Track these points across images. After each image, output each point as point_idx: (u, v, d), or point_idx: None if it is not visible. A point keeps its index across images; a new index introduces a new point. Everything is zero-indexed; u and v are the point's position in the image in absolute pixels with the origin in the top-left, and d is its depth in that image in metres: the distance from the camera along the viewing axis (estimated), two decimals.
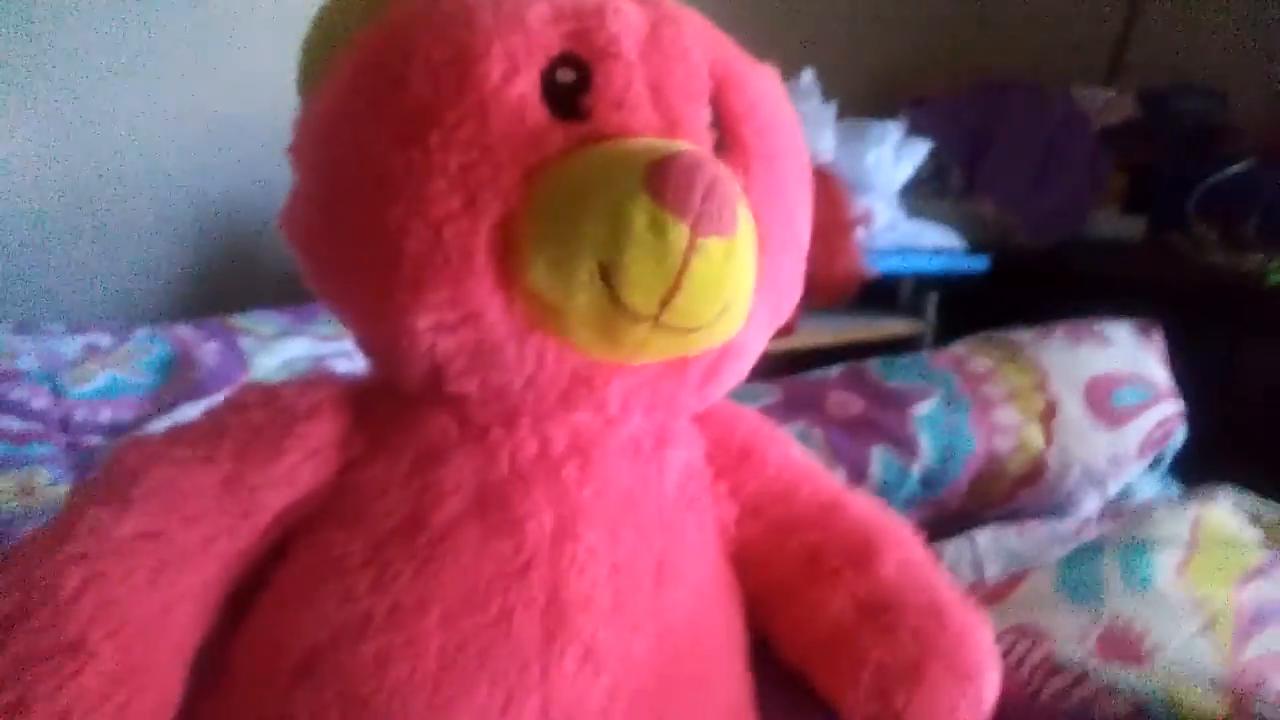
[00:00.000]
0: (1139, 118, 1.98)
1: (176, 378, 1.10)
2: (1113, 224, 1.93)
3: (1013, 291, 1.67)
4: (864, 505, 0.59)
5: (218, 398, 0.85)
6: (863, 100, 1.72)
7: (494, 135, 0.42)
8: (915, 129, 1.76)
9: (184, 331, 1.19)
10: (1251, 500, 0.86)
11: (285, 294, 1.29)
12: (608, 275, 0.40)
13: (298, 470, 0.47)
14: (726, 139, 0.48)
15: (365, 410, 0.50)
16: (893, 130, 1.66)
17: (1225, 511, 0.79)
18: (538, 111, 0.43)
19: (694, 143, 0.44)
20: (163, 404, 1.05)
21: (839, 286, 1.36)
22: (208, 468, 0.45)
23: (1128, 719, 0.53)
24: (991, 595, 0.69)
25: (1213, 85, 1.97)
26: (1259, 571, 0.71)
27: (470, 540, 0.46)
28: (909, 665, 0.52)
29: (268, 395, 0.49)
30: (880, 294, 1.69)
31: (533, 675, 0.44)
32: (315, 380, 0.52)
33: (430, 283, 0.42)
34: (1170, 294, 1.39)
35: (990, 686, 0.53)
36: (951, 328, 1.59)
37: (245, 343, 1.19)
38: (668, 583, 0.50)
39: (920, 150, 1.71)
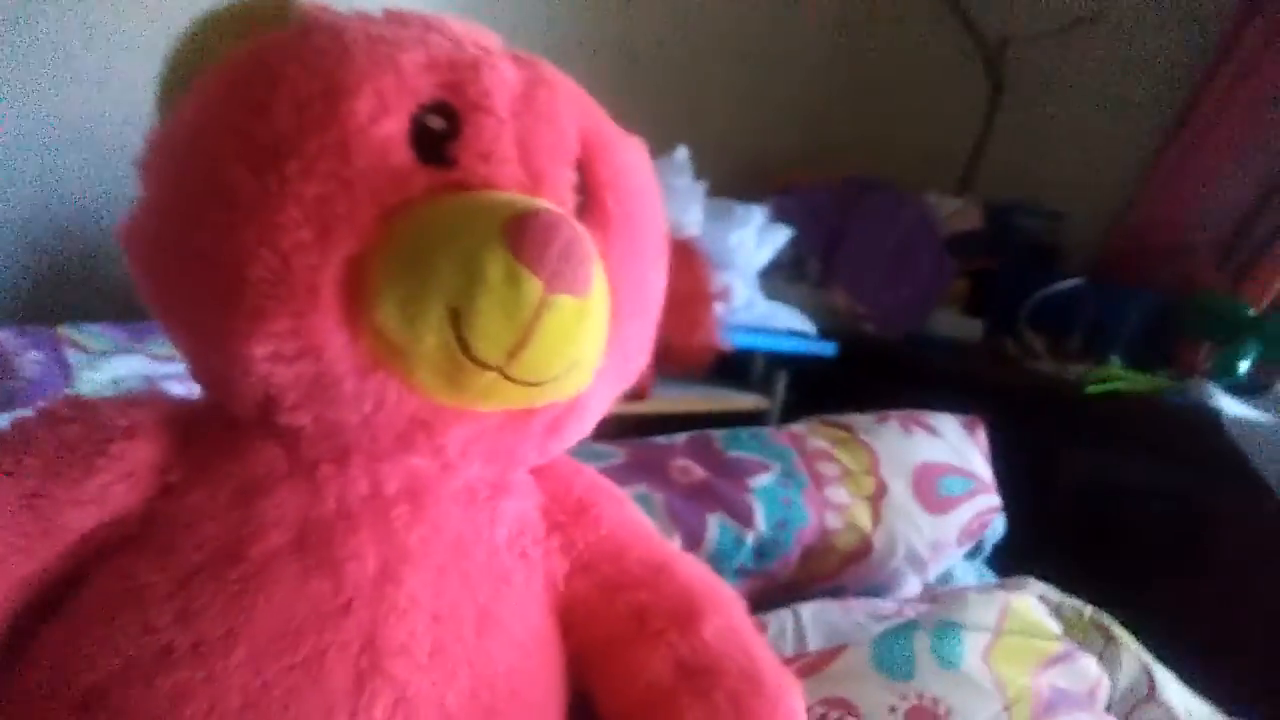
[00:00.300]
0: (983, 228, 2.11)
1: None
2: (953, 324, 2.03)
3: (857, 377, 1.74)
4: (692, 568, 0.60)
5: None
6: (731, 183, 1.77)
7: (354, 171, 0.41)
8: (779, 215, 1.83)
9: (4, 336, 1.12)
10: (1055, 593, 0.91)
11: (123, 310, 1.24)
12: (457, 321, 0.40)
13: (109, 491, 0.44)
14: (589, 203, 0.49)
15: (191, 436, 0.48)
16: (757, 214, 1.72)
17: (1031, 601, 0.83)
18: (403, 154, 0.43)
19: (556, 203, 0.45)
20: None
21: (695, 355, 1.38)
22: (8, 481, 0.42)
23: None
24: (809, 667, 0.71)
25: (1052, 205, 2.12)
26: (1056, 660, 0.76)
27: (287, 577, 0.44)
28: None
29: (84, 409, 0.47)
30: (733, 369, 1.73)
31: None
32: (139, 399, 0.50)
33: (272, 312, 0.41)
34: (1000, 394, 1.47)
35: None
36: (798, 406, 1.65)
37: (73, 356, 1.13)
38: (489, 633, 0.49)
39: (781, 235, 1.77)
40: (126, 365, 1.15)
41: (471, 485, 0.52)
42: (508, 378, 0.42)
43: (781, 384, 1.81)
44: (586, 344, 0.44)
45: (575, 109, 0.50)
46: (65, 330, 1.19)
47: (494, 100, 0.45)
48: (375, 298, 0.41)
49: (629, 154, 0.54)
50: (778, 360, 1.81)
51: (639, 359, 0.55)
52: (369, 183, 0.42)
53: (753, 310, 1.69)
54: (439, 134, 0.44)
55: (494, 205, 0.42)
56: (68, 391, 1.03)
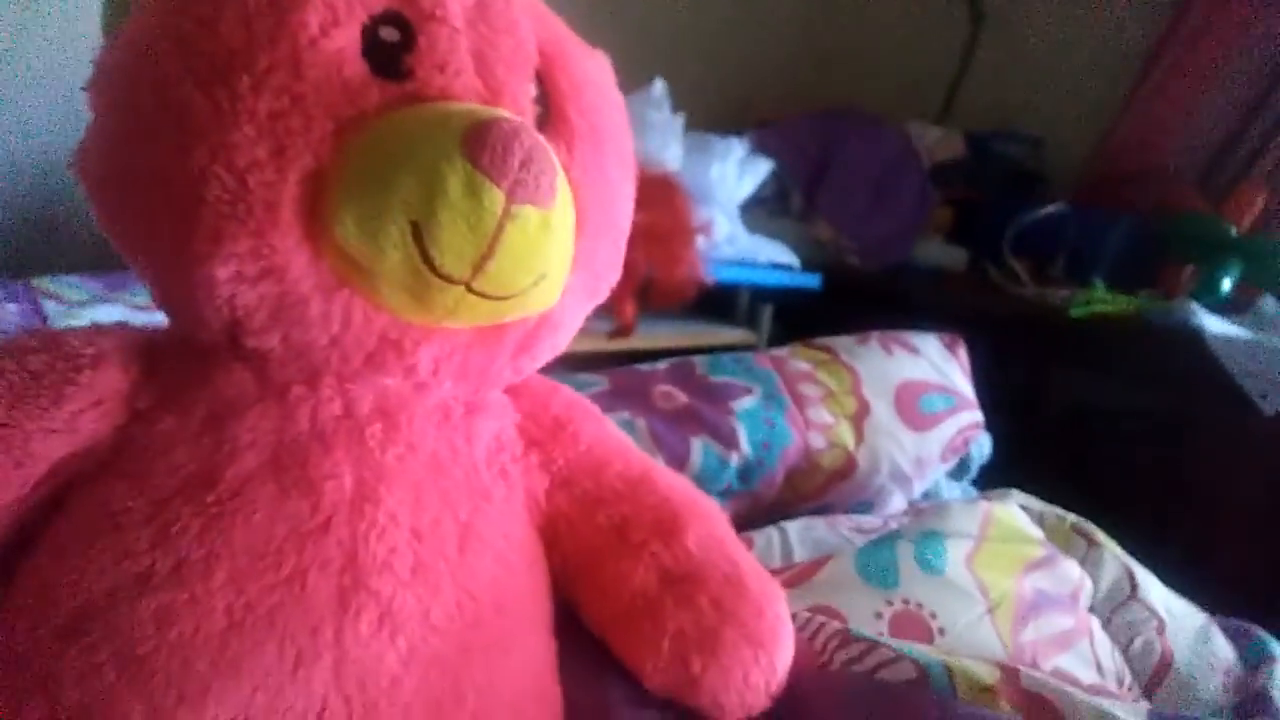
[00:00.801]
0: (965, 157, 2.10)
1: None
2: (937, 253, 2.03)
3: (842, 309, 1.74)
4: (672, 480, 0.61)
5: None
6: (710, 117, 1.76)
7: (307, 85, 0.41)
8: (759, 149, 1.82)
9: None
10: (1037, 503, 0.92)
11: (97, 260, 1.23)
12: (419, 236, 0.39)
13: (78, 420, 0.44)
14: (551, 115, 0.49)
15: (157, 362, 0.48)
16: (737, 146, 1.71)
17: (1014, 509, 0.84)
18: (356, 66, 0.42)
19: (516, 114, 0.44)
20: None
21: (678, 290, 1.39)
22: None
23: (914, 682, 0.55)
24: (795, 578, 0.72)
25: (1032, 132, 2.11)
26: (1038, 564, 0.77)
27: (264, 498, 0.44)
28: (707, 633, 0.53)
29: (49, 340, 0.46)
30: (718, 304, 1.73)
31: (325, 637, 0.43)
32: (104, 328, 0.49)
33: (231, 232, 0.41)
34: (985, 321, 1.47)
35: (784, 655, 0.55)
36: (784, 340, 1.65)
37: (50, 307, 1.12)
38: (471, 549, 0.49)
39: (763, 168, 1.77)
40: (105, 314, 1.14)
41: (445, 404, 0.52)
42: (474, 292, 0.42)
43: (767, 318, 1.81)
44: (552, 256, 0.44)
45: (532, 18, 0.49)
46: (40, 282, 1.18)
47: (448, 9, 0.45)
48: (335, 214, 0.41)
49: (591, 66, 0.53)
50: (762, 294, 1.81)
51: (610, 276, 0.55)
52: (323, 97, 0.41)
53: (736, 244, 1.69)
54: (392, 46, 0.43)
55: (451, 115, 0.41)
56: None
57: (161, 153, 0.42)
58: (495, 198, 0.39)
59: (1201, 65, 1.92)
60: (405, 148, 0.40)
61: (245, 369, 0.47)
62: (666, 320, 1.62)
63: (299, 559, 0.43)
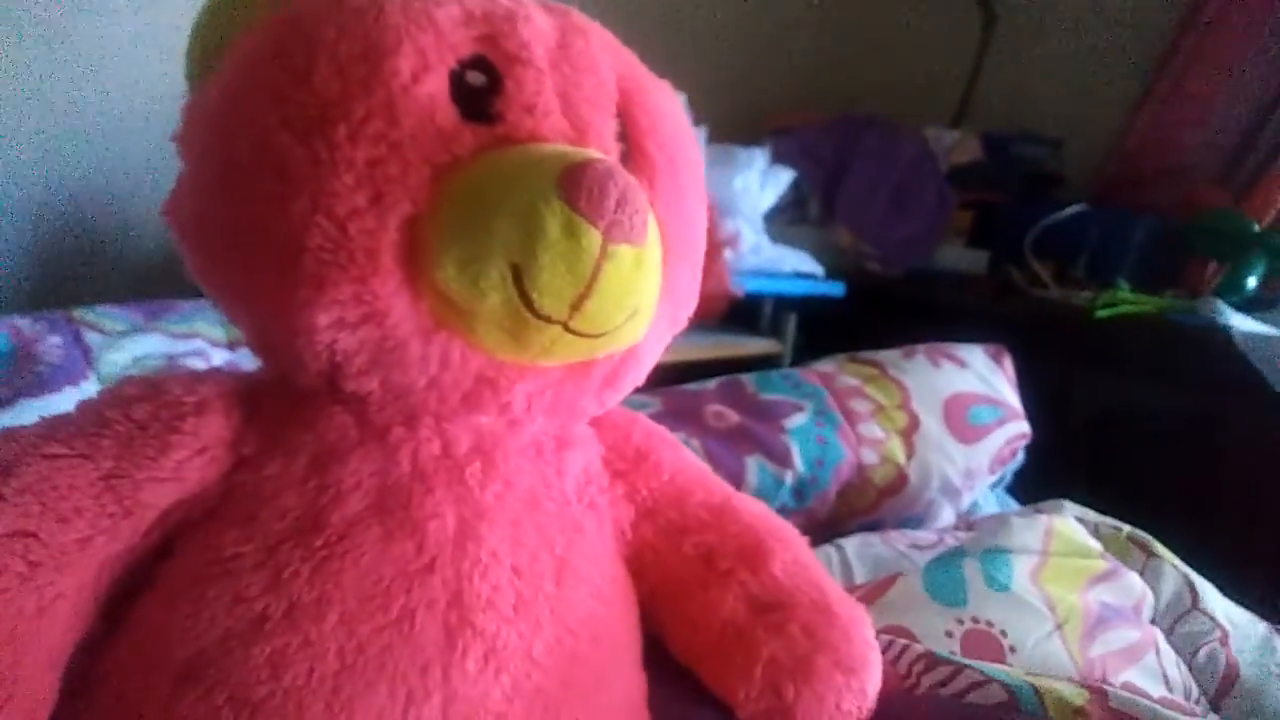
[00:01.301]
0: (983, 159, 2.10)
1: (15, 371, 1.02)
2: (957, 257, 2.03)
3: (864, 316, 1.74)
4: (753, 507, 0.61)
5: (64, 394, 0.79)
6: (725, 127, 1.76)
7: (403, 132, 0.41)
8: (777, 158, 1.82)
9: (22, 323, 1.11)
10: (1091, 514, 0.92)
11: (131, 288, 1.23)
12: (519, 278, 0.40)
13: (185, 468, 0.44)
14: (632, 151, 0.49)
15: (256, 408, 0.48)
16: (759, 157, 1.71)
17: (1071, 523, 0.84)
18: (447, 112, 0.42)
19: (602, 152, 0.45)
20: (0, 399, 0.98)
21: (708, 304, 1.39)
22: (86, 464, 0.42)
23: (1004, 705, 0.56)
24: (864, 598, 0.72)
25: (1050, 133, 2.11)
26: (1102, 577, 0.77)
27: (371, 540, 0.44)
28: (799, 660, 0.53)
29: (152, 389, 0.47)
30: (743, 314, 1.73)
31: (434, 676, 0.43)
32: (203, 375, 0.49)
33: (333, 279, 0.41)
34: (1009, 324, 1.47)
35: (874, 680, 0.55)
36: (808, 349, 1.65)
37: (91, 338, 1.12)
38: (568, 583, 0.50)
39: (784, 178, 1.77)
40: (146, 344, 1.14)
41: (537, 439, 0.53)
42: (570, 331, 0.42)
43: (792, 327, 1.81)
44: (645, 292, 0.44)
45: (610, 56, 0.50)
46: (80, 313, 1.18)
47: (532, 52, 0.45)
48: (435, 259, 0.41)
49: (665, 99, 0.53)
50: (786, 303, 1.81)
51: (688, 304, 0.55)
52: (418, 143, 0.41)
53: (760, 254, 1.69)
54: (480, 90, 0.44)
55: (546, 158, 0.41)
56: (93, 374, 1.03)
57: (260, 203, 0.42)
58: (593, 239, 0.39)
59: (1219, 60, 1.92)
60: (502, 191, 0.40)
61: (345, 412, 0.47)
62: (693, 333, 1.62)
63: (407, 599, 0.44)
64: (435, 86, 0.42)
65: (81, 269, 1.41)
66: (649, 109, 0.50)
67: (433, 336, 0.43)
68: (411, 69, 0.42)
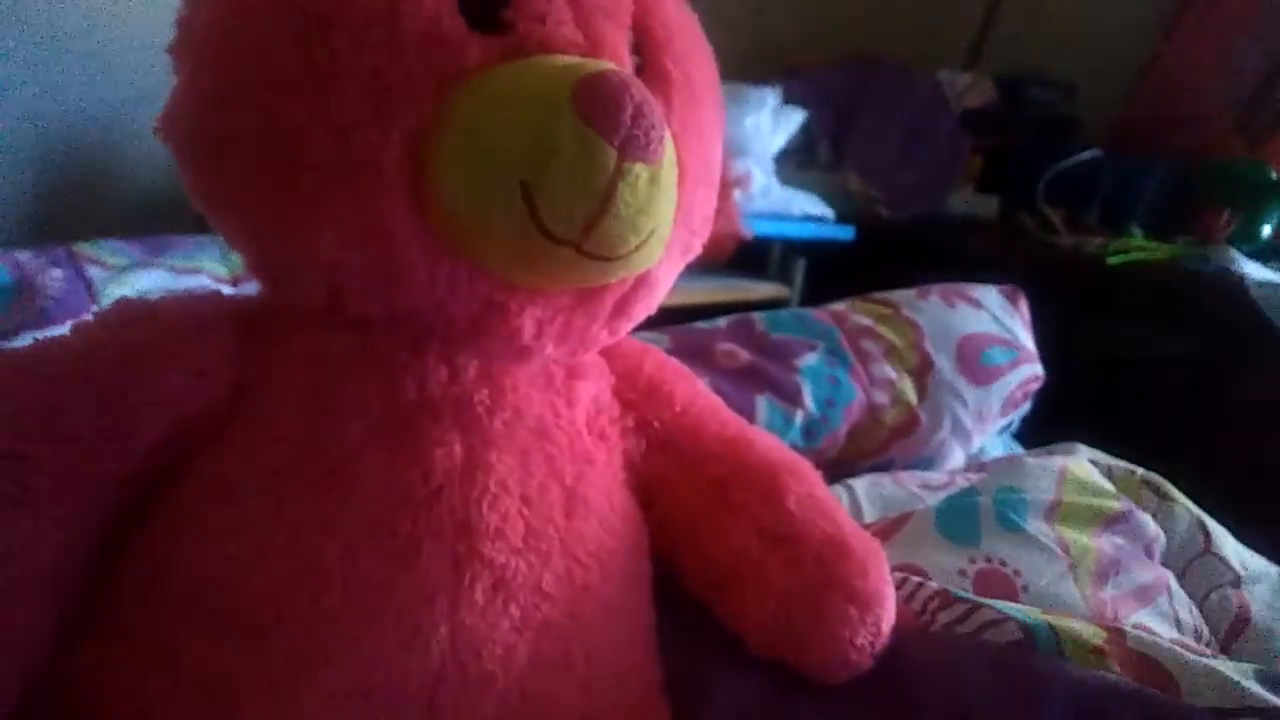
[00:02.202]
0: (996, 103, 2.07)
1: (17, 305, 1.01)
2: (969, 202, 2.01)
3: (874, 261, 1.72)
4: (767, 440, 0.60)
5: (65, 327, 0.78)
6: (736, 67, 1.73)
7: (406, 40, 0.39)
8: (788, 99, 1.79)
9: (24, 258, 1.10)
10: (1104, 457, 0.91)
11: (132, 224, 1.21)
12: (529, 196, 0.38)
13: (183, 392, 0.43)
14: (647, 66, 0.47)
15: (257, 331, 0.46)
16: (770, 97, 1.68)
17: (1086, 465, 0.83)
18: (453, 20, 0.40)
19: (617, 64, 0.43)
20: (3, 332, 0.96)
21: (716, 245, 1.37)
22: (81, 385, 0.41)
23: (1019, 644, 0.55)
24: (877, 535, 0.71)
25: (1064, 76, 2.08)
26: (1116, 519, 0.76)
27: (375, 468, 0.43)
28: (813, 594, 0.53)
29: (148, 311, 0.45)
30: (751, 257, 1.71)
31: (441, 606, 0.42)
32: (201, 296, 0.48)
33: (334, 195, 0.39)
34: (1019, 270, 1.46)
35: (888, 615, 0.54)
36: (816, 293, 1.64)
37: (94, 272, 1.11)
38: (578, 514, 0.49)
39: (795, 119, 1.74)
40: (149, 279, 1.14)
41: (547, 368, 0.52)
42: (583, 253, 0.40)
43: (800, 271, 1.80)
44: (661, 213, 0.42)
45: None
46: (81, 248, 1.16)
47: None
48: (441, 176, 0.39)
49: (681, 12, 0.51)
50: (795, 247, 1.79)
51: (703, 230, 0.54)
52: (422, 52, 0.39)
53: (770, 197, 1.67)
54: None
55: (558, 70, 0.39)
56: (95, 308, 1.02)
57: (258, 115, 0.40)
58: (608, 155, 0.38)
59: (1236, 4, 1.89)
60: (512, 105, 0.39)
61: (348, 336, 0.45)
62: (699, 275, 1.61)
63: (413, 528, 0.43)
64: None
65: (82, 204, 1.39)
66: (665, 21, 0.48)
67: (439, 258, 0.41)
68: None
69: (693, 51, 0.50)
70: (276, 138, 0.40)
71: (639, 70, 0.46)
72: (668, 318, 1.22)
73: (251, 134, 0.41)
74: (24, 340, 0.89)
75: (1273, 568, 0.81)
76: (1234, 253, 1.59)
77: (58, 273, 1.07)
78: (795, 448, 0.90)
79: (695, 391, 0.60)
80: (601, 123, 0.37)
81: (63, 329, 0.45)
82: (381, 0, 0.39)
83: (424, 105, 0.39)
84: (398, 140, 0.39)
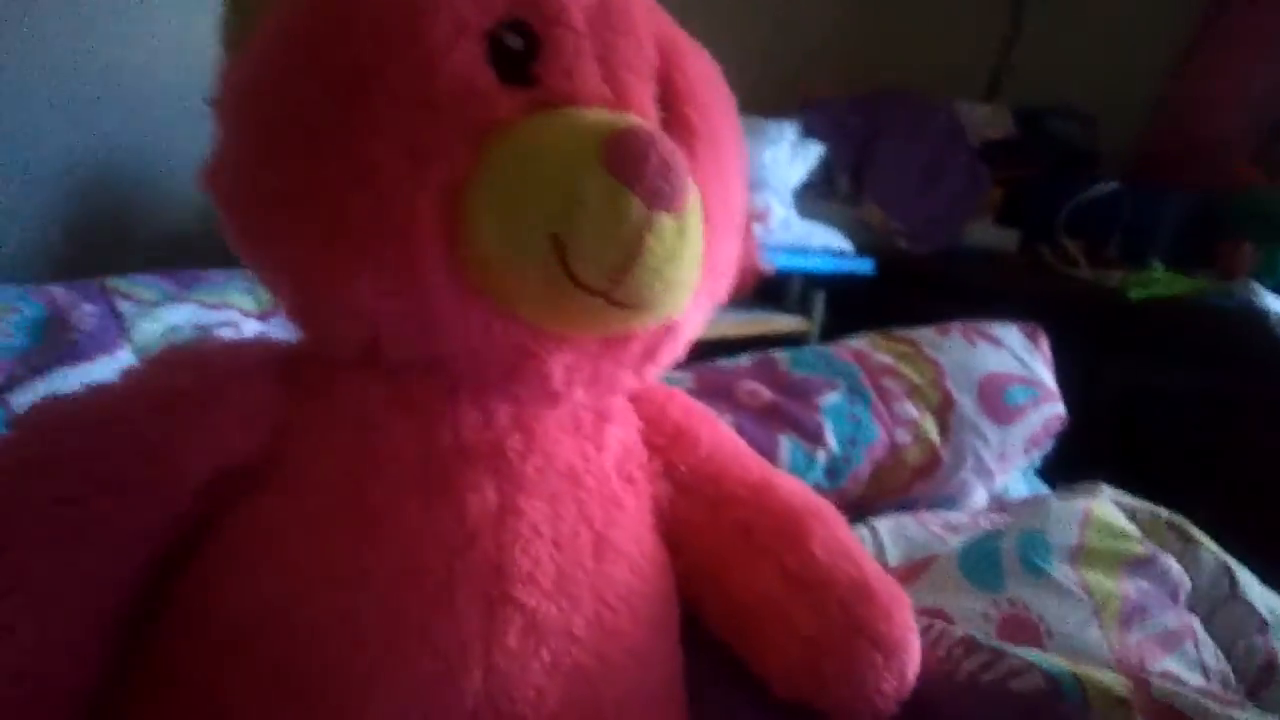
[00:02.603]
0: (1014, 135, 2.08)
1: (49, 339, 1.03)
2: (988, 235, 2.02)
3: (893, 294, 1.73)
4: (792, 484, 0.61)
5: (98, 363, 0.80)
6: (754, 100, 1.74)
7: (440, 95, 0.41)
8: (807, 132, 1.80)
9: (57, 292, 1.11)
10: (1128, 499, 0.91)
11: (160, 257, 1.23)
12: (560, 247, 0.39)
13: (227, 437, 0.44)
14: (672, 118, 0.48)
15: (297, 378, 0.48)
16: (789, 130, 1.69)
17: (1110, 507, 0.83)
18: (485, 75, 0.42)
19: (643, 118, 0.44)
20: (35, 367, 0.98)
21: (739, 279, 1.38)
22: (129, 432, 0.42)
23: (1045, 693, 0.55)
24: (901, 579, 0.71)
25: (1084, 108, 2.08)
26: (1141, 563, 0.76)
27: (411, 512, 0.44)
28: (838, 639, 0.53)
29: (194, 357, 0.47)
30: (771, 291, 1.72)
31: (475, 650, 0.43)
32: (244, 344, 0.50)
33: (373, 247, 0.41)
34: (1039, 304, 1.46)
35: (913, 661, 0.55)
36: (836, 326, 1.64)
37: (125, 307, 1.12)
38: (607, 558, 0.50)
39: (814, 152, 1.75)
40: (178, 314, 1.15)
41: (576, 414, 0.52)
42: (612, 301, 0.41)
43: (820, 304, 1.81)
44: (687, 262, 0.43)
45: (650, 19, 0.49)
46: (113, 282, 1.18)
47: (571, 14, 0.44)
48: (475, 228, 0.40)
49: (703, 64, 0.52)
50: (815, 280, 1.80)
51: (727, 277, 0.55)
52: (456, 107, 0.41)
53: (790, 230, 1.68)
54: (517, 53, 0.43)
55: (587, 124, 0.41)
56: (127, 343, 1.04)
57: (298, 168, 0.42)
58: (636, 207, 0.39)
59: (1254, 34, 1.90)
60: (543, 159, 0.40)
61: (384, 383, 0.47)
62: (720, 309, 1.61)
63: (448, 573, 0.43)
64: (472, 48, 0.42)
65: (113, 238, 1.41)
66: (689, 74, 0.50)
67: (472, 306, 0.43)
68: (447, 30, 0.41)
69: (715, 102, 0.51)
70: (315, 193, 0.41)
71: (664, 122, 0.48)
72: (688, 351, 1.23)
73: (291, 189, 0.42)
74: (57, 374, 0.91)
75: None
76: (1257, 286, 1.59)
77: (89, 307, 1.09)
78: (818, 487, 0.91)
79: (720, 436, 0.61)
80: (629, 176, 0.39)
81: (93, 364, 0.46)
82: (416, 57, 0.41)
83: (458, 158, 0.41)
84: (433, 193, 0.40)
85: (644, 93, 0.46)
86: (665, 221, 0.40)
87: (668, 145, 0.40)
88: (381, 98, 0.40)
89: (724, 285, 0.55)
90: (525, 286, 0.41)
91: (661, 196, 0.39)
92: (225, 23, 0.48)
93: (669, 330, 0.50)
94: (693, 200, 0.42)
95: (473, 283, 0.42)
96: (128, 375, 0.46)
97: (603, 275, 0.40)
